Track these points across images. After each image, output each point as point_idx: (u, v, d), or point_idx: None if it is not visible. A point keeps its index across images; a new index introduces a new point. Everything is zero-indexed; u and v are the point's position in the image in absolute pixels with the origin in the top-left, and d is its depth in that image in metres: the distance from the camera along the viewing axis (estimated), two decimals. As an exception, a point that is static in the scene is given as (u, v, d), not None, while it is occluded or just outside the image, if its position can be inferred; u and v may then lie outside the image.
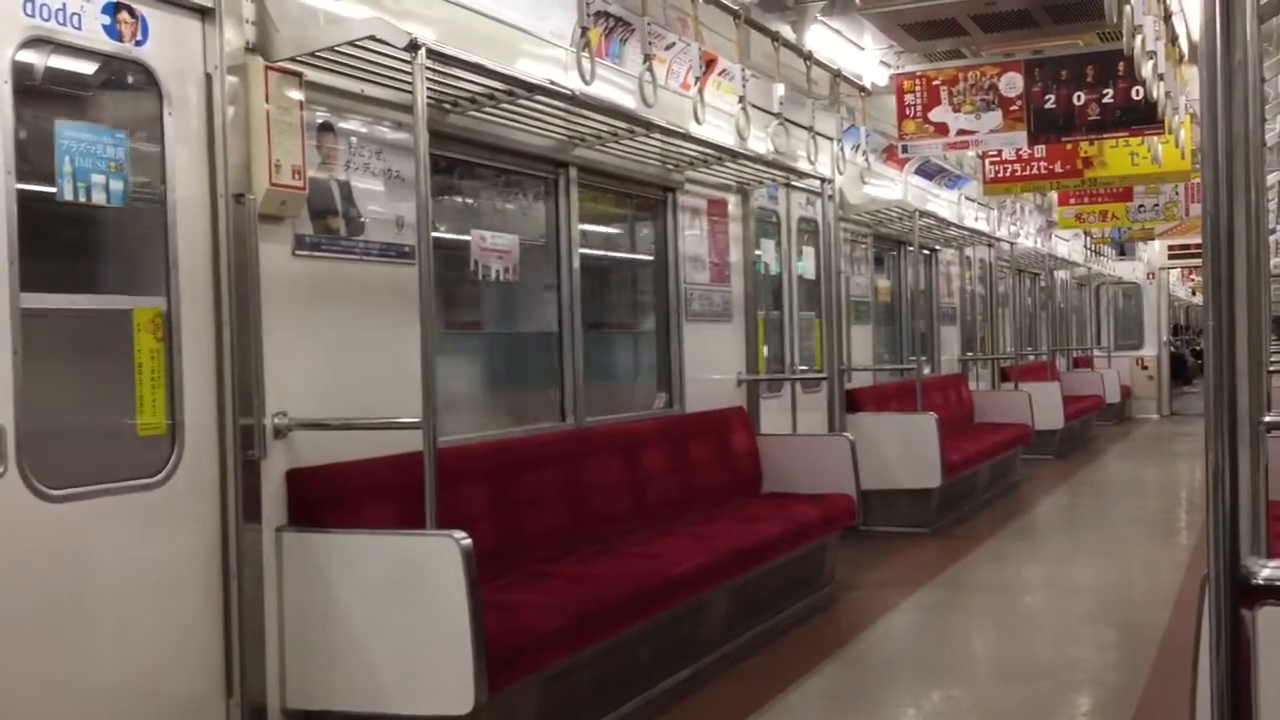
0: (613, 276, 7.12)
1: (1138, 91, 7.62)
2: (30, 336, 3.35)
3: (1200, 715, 2.30)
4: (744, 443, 7.22)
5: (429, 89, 4.30)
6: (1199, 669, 2.36)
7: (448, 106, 4.95)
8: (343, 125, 4.52)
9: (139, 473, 3.73)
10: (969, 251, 13.55)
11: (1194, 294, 31.48)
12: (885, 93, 8.74)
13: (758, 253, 7.95)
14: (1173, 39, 6.50)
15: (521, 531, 5.09)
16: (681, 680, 5.26)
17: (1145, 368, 20.66)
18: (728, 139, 6.77)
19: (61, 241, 3.78)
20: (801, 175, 7.72)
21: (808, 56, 7.56)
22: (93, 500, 3.55)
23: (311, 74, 4.25)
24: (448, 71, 4.46)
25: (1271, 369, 6.44)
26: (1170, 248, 20.21)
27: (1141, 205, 14.48)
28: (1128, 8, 5.17)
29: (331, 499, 4.23)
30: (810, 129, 7.85)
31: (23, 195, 3.36)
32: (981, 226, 13.21)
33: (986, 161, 11.06)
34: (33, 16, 3.43)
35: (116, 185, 3.62)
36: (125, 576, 3.63)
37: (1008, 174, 11.00)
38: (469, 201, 5.84)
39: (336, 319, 4.44)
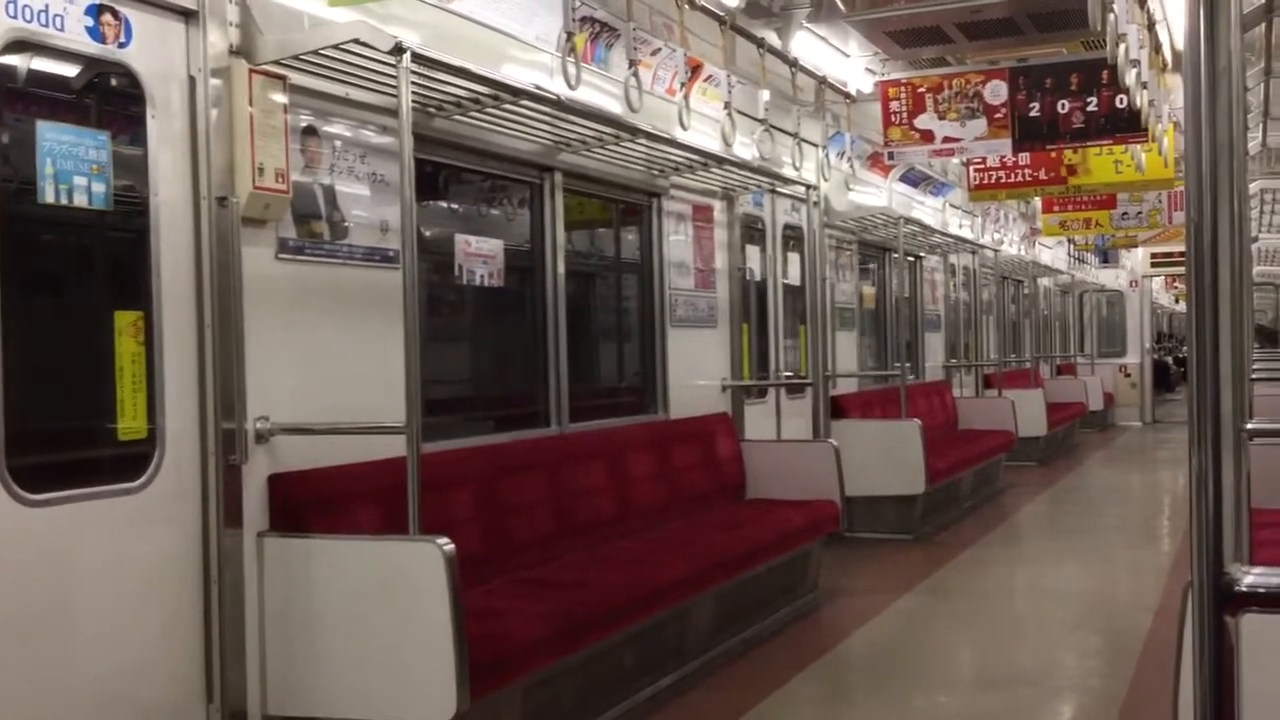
0: (597, 282, 7.12)
1: (1121, 100, 7.66)
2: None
3: (1183, 722, 2.31)
4: (728, 449, 7.21)
5: (414, 93, 4.28)
6: (1181, 675, 2.36)
7: (432, 111, 4.94)
8: (327, 129, 4.50)
9: (119, 477, 3.70)
10: (953, 258, 13.59)
11: (1177, 302, 31.62)
12: (870, 100, 8.76)
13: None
14: (1156, 48, 6.54)
15: (506, 537, 5.08)
16: (665, 686, 5.25)
17: (1128, 375, 20.75)
18: (713, 145, 6.77)
19: (42, 244, 3.76)
20: (787, 181, 7.73)
21: (793, 63, 7.57)
22: (73, 505, 3.53)
23: (296, 77, 4.23)
24: (433, 75, 4.45)
25: (1254, 376, 6.48)
26: (1153, 255, 20.32)
27: (1125, 213, 14.54)
28: (1111, 16, 5.19)
29: (314, 504, 4.21)
30: (795, 135, 7.86)
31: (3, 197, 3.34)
32: (966, 233, 13.24)
33: (971, 168, 11.10)
34: (15, 18, 3.40)
35: (98, 187, 3.60)
36: (105, 581, 3.61)
37: (992, 181, 11.03)
38: (454, 206, 5.83)
39: (320, 323, 4.43)
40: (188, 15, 3.91)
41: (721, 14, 6.66)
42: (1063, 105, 8.02)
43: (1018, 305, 17.15)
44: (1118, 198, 14.03)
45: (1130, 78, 5.79)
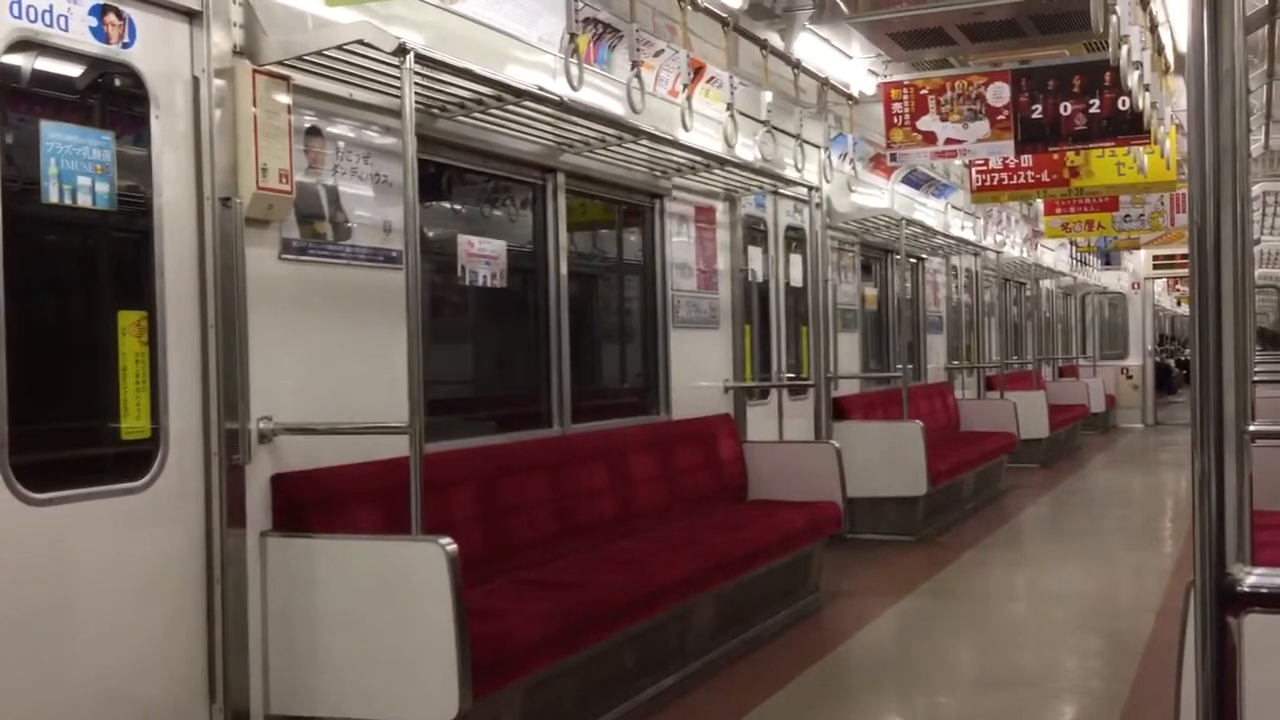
0: (599, 283, 7.13)
1: (1124, 102, 7.66)
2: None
3: (1184, 723, 2.31)
4: (730, 450, 7.22)
5: (417, 94, 4.29)
6: (1184, 675, 2.36)
7: (436, 111, 4.94)
8: (330, 129, 4.51)
9: (122, 477, 3.71)
10: (955, 260, 13.58)
11: (1179, 304, 31.61)
12: (873, 101, 8.76)
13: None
14: (1159, 49, 6.53)
15: (507, 538, 5.08)
16: (666, 687, 5.25)
17: (1130, 377, 20.74)
18: (715, 146, 6.77)
19: (46, 244, 3.77)
20: (789, 183, 7.73)
21: (796, 65, 7.57)
22: (76, 504, 3.53)
23: (299, 78, 4.24)
24: (436, 76, 4.45)
25: (1256, 379, 6.47)
26: (1155, 258, 20.30)
27: (1127, 215, 14.53)
28: (1114, 18, 5.19)
29: (317, 504, 4.21)
30: (798, 137, 7.86)
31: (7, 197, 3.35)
32: (968, 235, 13.24)
33: (973, 170, 11.09)
34: (19, 18, 3.41)
35: (102, 187, 3.61)
36: (108, 581, 3.61)
37: (994, 183, 11.03)
38: (457, 207, 5.84)
39: (323, 323, 4.43)
40: (191, 16, 3.92)
41: (724, 15, 6.66)
42: (1065, 107, 8.02)
43: (1020, 307, 17.14)
44: (1120, 200, 14.02)
45: (1133, 80, 5.78)
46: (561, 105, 5.10)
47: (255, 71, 4.03)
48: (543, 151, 5.76)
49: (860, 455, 8.17)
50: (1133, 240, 18.04)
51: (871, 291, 11.08)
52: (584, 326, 6.67)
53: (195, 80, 3.93)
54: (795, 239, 8.81)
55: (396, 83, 4.11)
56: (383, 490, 4.32)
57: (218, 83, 3.95)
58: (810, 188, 7.89)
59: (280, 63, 4.11)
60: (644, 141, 5.90)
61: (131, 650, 3.69)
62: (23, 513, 3.36)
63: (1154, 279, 21.46)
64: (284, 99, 4.14)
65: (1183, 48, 6.26)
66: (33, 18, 3.44)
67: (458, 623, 3.75)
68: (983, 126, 8.22)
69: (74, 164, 3.52)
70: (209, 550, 3.95)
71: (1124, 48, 5.46)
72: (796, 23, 7.49)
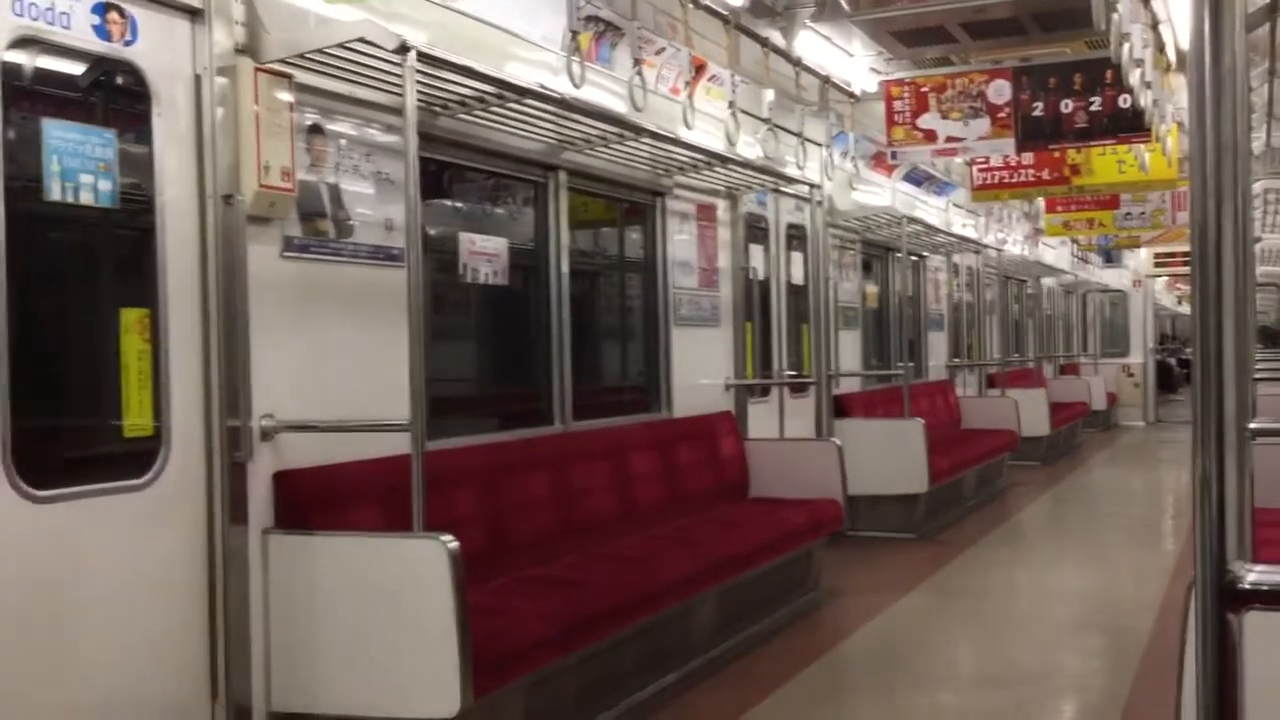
0: (601, 280, 7.13)
1: (1125, 99, 7.66)
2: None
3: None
4: (731, 447, 7.22)
5: (419, 92, 4.29)
6: (1185, 672, 2.37)
7: (438, 109, 4.95)
8: (332, 127, 4.51)
9: (125, 474, 3.71)
10: (956, 258, 13.58)
11: (1179, 303, 31.60)
12: (874, 99, 8.76)
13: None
14: (1160, 47, 6.53)
15: (509, 535, 5.09)
16: (667, 685, 5.26)
17: (1131, 375, 20.75)
18: (717, 144, 6.78)
19: (48, 241, 3.77)
20: (790, 181, 7.74)
21: (797, 63, 7.57)
22: (79, 501, 3.54)
23: (301, 76, 4.24)
24: (438, 74, 4.45)
25: (1256, 376, 6.48)
26: (1156, 255, 20.31)
27: (1128, 213, 14.53)
28: (1115, 16, 5.19)
29: (319, 501, 4.22)
30: (799, 135, 7.86)
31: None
32: (969, 233, 13.24)
33: (974, 168, 11.09)
34: (21, 16, 3.41)
35: (105, 185, 3.61)
36: (111, 578, 3.62)
37: (995, 181, 11.03)
38: (459, 204, 5.84)
39: (325, 321, 4.44)
40: (194, 14, 3.92)
41: (725, 13, 6.66)
42: (1066, 105, 8.02)
43: (1021, 305, 17.14)
44: (1121, 198, 14.02)
45: (1134, 77, 5.79)
46: (563, 103, 5.10)
47: (257, 69, 4.03)
48: (544, 149, 5.76)
49: (861, 453, 8.16)
50: (1134, 238, 18.04)
51: (872, 289, 11.08)
52: (585, 324, 6.68)
53: (197, 78, 3.94)
54: (796, 237, 8.81)
55: (398, 81, 4.11)
56: (384, 488, 4.32)
57: (220, 80, 3.95)
58: (811, 185, 7.89)
59: (282, 60, 4.11)
60: (645, 139, 5.90)
61: (134, 647, 3.70)
62: (25, 510, 3.36)
63: (1155, 277, 21.47)
64: (286, 97, 4.15)
65: (1184, 45, 6.26)
66: (35, 16, 3.45)
67: (459, 620, 3.75)
68: (984, 124, 8.22)
69: (76, 162, 3.52)
70: (211, 548, 3.95)
71: (1125, 45, 5.47)
72: (798, 20, 7.49)
